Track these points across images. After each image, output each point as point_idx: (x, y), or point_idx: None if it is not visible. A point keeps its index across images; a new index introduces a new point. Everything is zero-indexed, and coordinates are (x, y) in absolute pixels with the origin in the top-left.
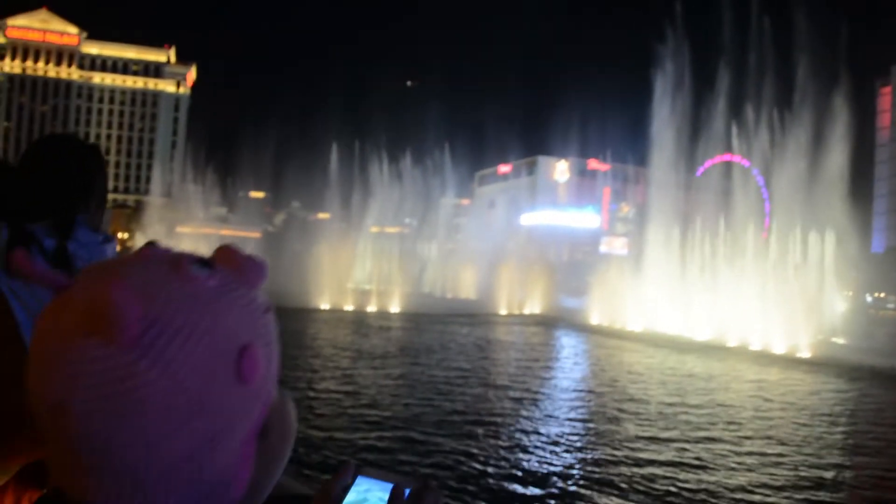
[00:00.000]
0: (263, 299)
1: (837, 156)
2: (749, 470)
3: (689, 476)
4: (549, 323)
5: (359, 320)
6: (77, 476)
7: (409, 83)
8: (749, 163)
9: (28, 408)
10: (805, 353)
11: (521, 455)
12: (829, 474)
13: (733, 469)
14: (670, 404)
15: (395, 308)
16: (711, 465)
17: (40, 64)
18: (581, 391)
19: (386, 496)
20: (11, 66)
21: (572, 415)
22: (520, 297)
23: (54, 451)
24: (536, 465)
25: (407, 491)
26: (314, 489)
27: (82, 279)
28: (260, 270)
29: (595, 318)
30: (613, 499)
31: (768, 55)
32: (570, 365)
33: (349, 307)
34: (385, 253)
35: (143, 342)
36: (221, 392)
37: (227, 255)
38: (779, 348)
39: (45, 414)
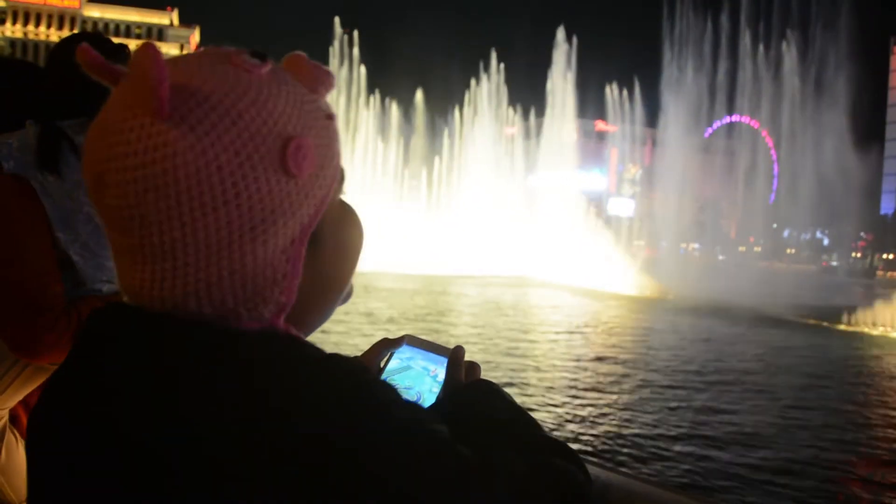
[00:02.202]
0: (326, 108)
1: (848, 118)
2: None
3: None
4: (557, 286)
5: (365, 283)
6: (125, 265)
7: (343, 31)
8: (758, 124)
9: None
10: (810, 318)
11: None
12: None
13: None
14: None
15: (400, 269)
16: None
17: (41, 28)
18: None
19: (429, 365)
20: (13, 30)
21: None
22: (522, 259)
23: (110, 238)
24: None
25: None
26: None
27: None
28: (326, 77)
29: (604, 282)
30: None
31: (779, 14)
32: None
33: None
34: (387, 215)
35: (177, 113)
36: (262, 179)
37: (294, 59)
38: (784, 312)
39: (91, 189)
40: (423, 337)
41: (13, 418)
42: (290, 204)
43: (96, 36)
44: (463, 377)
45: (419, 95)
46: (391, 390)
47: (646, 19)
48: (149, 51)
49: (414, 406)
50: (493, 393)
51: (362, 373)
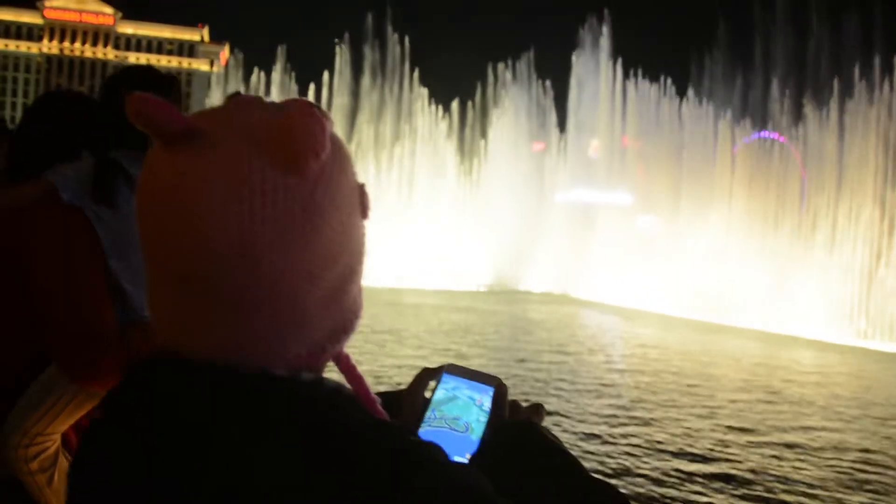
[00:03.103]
0: None
1: (879, 133)
2: None
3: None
4: (584, 302)
5: (390, 299)
6: (218, 327)
7: (336, 41)
8: (786, 139)
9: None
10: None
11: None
12: None
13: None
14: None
15: (424, 285)
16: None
17: (77, 44)
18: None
19: (474, 394)
20: (49, 46)
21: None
22: (552, 275)
23: (194, 304)
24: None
25: (492, 390)
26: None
27: (220, 121)
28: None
29: (628, 300)
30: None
31: (806, 29)
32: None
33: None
34: (423, 229)
35: (318, 171)
36: (358, 223)
37: None
38: (826, 334)
39: (210, 256)
40: (464, 365)
41: (65, 442)
42: (364, 242)
43: (148, 69)
44: (507, 415)
45: (455, 106)
46: (437, 451)
47: (675, 30)
48: (316, 115)
49: (456, 466)
50: (537, 434)
51: (415, 444)
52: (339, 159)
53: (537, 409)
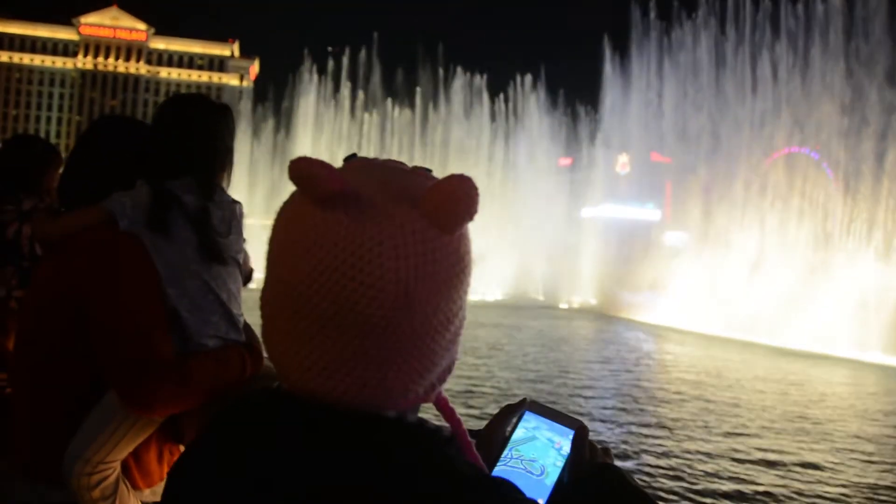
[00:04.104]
0: None
1: None
2: None
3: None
4: (610, 318)
5: None
6: (360, 371)
7: (330, 49)
8: (818, 155)
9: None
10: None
11: None
12: None
13: None
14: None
15: None
16: None
17: (110, 60)
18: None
19: (554, 437)
20: (84, 62)
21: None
22: (581, 291)
23: (339, 352)
24: None
25: (572, 433)
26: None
27: (375, 187)
28: None
29: (657, 315)
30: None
31: (834, 41)
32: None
33: None
34: None
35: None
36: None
37: None
38: (860, 352)
39: (373, 309)
40: (543, 406)
41: (124, 469)
42: None
43: (201, 98)
44: (587, 455)
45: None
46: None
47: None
48: (472, 183)
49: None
50: (618, 479)
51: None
52: None
53: (607, 451)
